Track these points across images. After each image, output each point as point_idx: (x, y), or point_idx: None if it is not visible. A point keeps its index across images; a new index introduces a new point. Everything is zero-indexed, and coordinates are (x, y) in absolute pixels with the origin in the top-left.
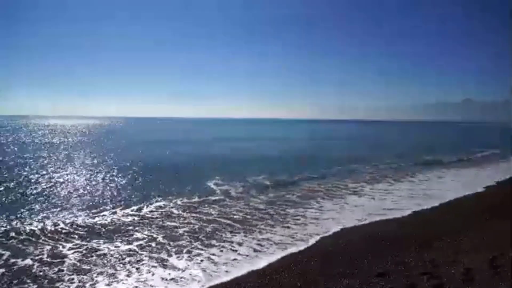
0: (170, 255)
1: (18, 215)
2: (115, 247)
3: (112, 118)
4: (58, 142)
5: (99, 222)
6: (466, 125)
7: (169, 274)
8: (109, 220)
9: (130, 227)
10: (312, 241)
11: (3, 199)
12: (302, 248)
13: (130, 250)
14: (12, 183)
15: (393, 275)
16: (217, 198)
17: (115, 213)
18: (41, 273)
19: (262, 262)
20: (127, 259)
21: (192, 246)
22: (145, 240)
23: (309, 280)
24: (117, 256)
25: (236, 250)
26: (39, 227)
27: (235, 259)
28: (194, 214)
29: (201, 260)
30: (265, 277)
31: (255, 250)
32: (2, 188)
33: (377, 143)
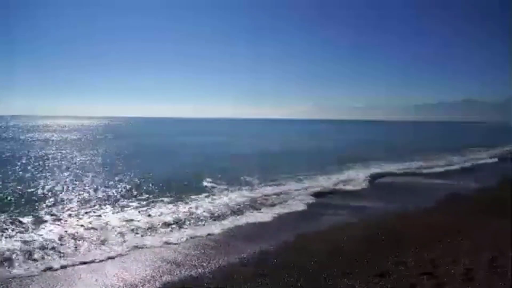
0: None
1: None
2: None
3: (112, 118)
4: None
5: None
6: (466, 125)
7: None
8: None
9: None
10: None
11: None
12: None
13: None
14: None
15: (393, 275)
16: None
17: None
18: None
19: None
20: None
21: None
22: None
23: (309, 280)
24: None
25: None
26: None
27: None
28: None
29: None
30: (265, 276)
31: None
32: None
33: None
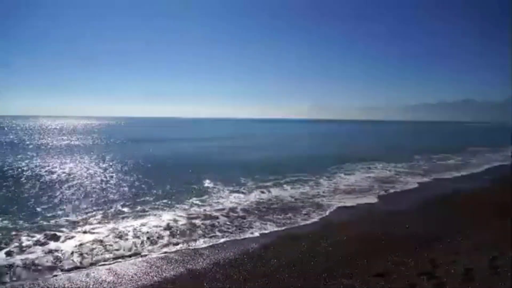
0: None
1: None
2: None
3: (112, 118)
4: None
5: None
6: (469, 125)
7: None
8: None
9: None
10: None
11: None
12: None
13: None
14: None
15: (393, 275)
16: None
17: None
18: None
19: None
20: None
21: None
22: None
23: (309, 280)
24: None
25: None
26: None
27: None
28: None
29: None
30: (266, 277)
31: None
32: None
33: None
